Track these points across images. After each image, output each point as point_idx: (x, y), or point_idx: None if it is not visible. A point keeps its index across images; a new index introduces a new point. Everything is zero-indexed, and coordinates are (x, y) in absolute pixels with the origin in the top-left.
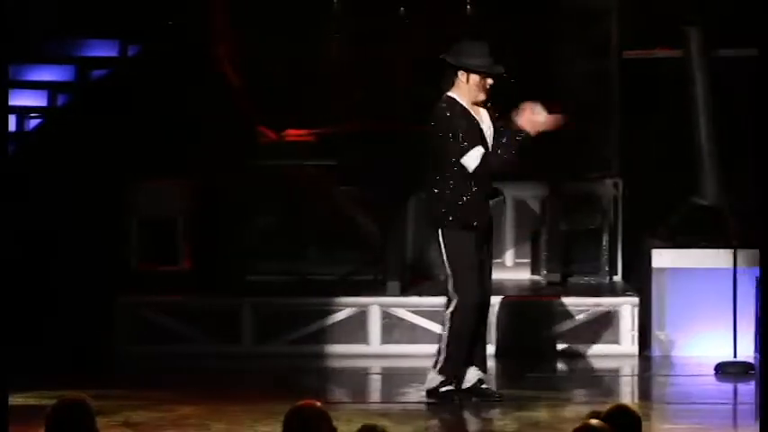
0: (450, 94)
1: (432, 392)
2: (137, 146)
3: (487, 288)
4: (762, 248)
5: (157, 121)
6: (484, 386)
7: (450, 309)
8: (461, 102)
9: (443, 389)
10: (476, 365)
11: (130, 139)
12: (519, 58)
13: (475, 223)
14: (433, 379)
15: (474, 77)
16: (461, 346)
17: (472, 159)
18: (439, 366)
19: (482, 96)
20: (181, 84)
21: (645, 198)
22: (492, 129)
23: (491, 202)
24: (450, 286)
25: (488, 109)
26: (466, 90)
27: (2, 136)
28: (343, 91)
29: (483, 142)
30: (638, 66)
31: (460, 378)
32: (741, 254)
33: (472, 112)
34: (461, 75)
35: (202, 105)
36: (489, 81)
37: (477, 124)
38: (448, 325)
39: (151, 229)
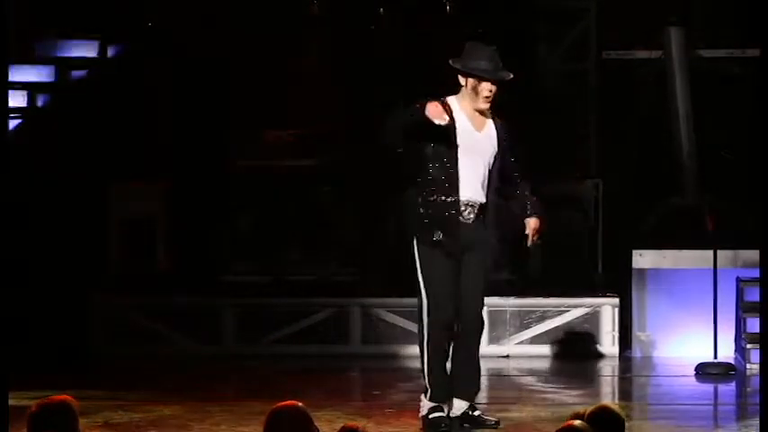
0: (449, 97)
1: (424, 420)
2: (115, 146)
3: (464, 306)
4: (762, 248)
5: (136, 122)
6: (476, 413)
7: (422, 329)
8: (454, 104)
9: (432, 416)
10: (459, 396)
11: (109, 139)
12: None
13: (436, 238)
14: (424, 406)
15: (469, 81)
16: (435, 369)
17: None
18: (428, 394)
19: (480, 103)
20: (160, 84)
21: (625, 199)
22: (496, 143)
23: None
24: (418, 303)
25: (498, 119)
26: (466, 95)
27: (2, 133)
28: (324, 91)
29: (449, 144)
30: (617, 66)
31: (449, 406)
32: (721, 254)
33: (464, 117)
34: (460, 79)
35: (180, 106)
36: (487, 86)
37: (454, 122)
38: (422, 348)
39: (130, 230)
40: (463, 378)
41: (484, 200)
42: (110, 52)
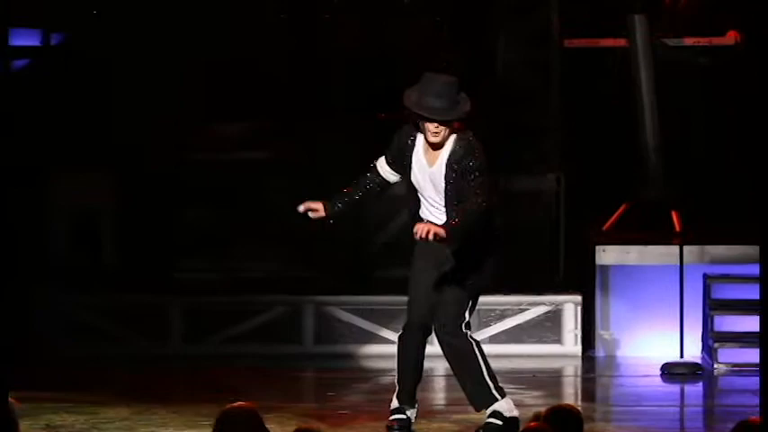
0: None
1: None
2: (61, 136)
3: (431, 310)
4: (762, 243)
5: (82, 111)
6: (488, 420)
7: None
8: (419, 138)
9: (390, 417)
10: (471, 402)
11: (54, 128)
12: (456, 47)
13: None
14: (392, 404)
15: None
16: (399, 367)
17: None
18: (395, 392)
19: (428, 138)
20: (106, 72)
21: (587, 193)
22: (443, 179)
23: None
24: None
25: (460, 144)
26: None
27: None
28: (277, 82)
29: (406, 173)
30: (580, 55)
31: (409, 403)
32: (687, 250)
33: (421, 150)
34: None
35: (129, 95)
36: (431, 126)
37: (410, 157)
38: None
39: (74, 223)
40: (462, 385)
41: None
42: (53, 40)
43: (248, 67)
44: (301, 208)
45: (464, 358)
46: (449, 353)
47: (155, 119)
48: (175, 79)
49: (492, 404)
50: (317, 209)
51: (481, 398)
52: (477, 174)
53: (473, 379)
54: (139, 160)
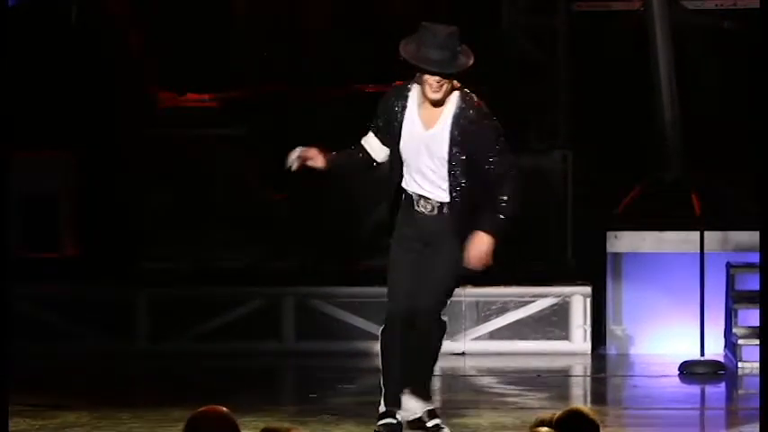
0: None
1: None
2: (11, 111)
3: (418, 304)
4: (762, 230)
5: (37, 84)
6: (431, 423)
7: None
8: (414, 93)
9: (379, 422)
10: (414, 394)
11: (4, 103)
12: (458, 13)
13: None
14: (379, 409)
15: (417, 70)
16: (386, 367)
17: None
18: (381, 395)
19: (429, 94)
20: (65, 41)
21: (598, 172)
22: (447, 141)
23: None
24: None
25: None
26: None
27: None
28: (252, 50)
29: (396, 139)
30: (591, 20)
31: (398, 406)
32: (709, 236)
33: (415, 111)
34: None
35: (89, 65)
36: (433, 78)
37: (400, 120)
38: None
39: (29, 209)
40: (410, 373)
41: (441, 198)
42: (10, 2)
43: (221, 32)
44: (294, 156)
45: (430, 341)
46: (419, 336)
47: (116, 91)
48: (139, 45)
49: (429, 401)
50: (311, 156)
51: (424, 387)
52: (502, 138)
53: (427, 365)
54: (100, 138)
